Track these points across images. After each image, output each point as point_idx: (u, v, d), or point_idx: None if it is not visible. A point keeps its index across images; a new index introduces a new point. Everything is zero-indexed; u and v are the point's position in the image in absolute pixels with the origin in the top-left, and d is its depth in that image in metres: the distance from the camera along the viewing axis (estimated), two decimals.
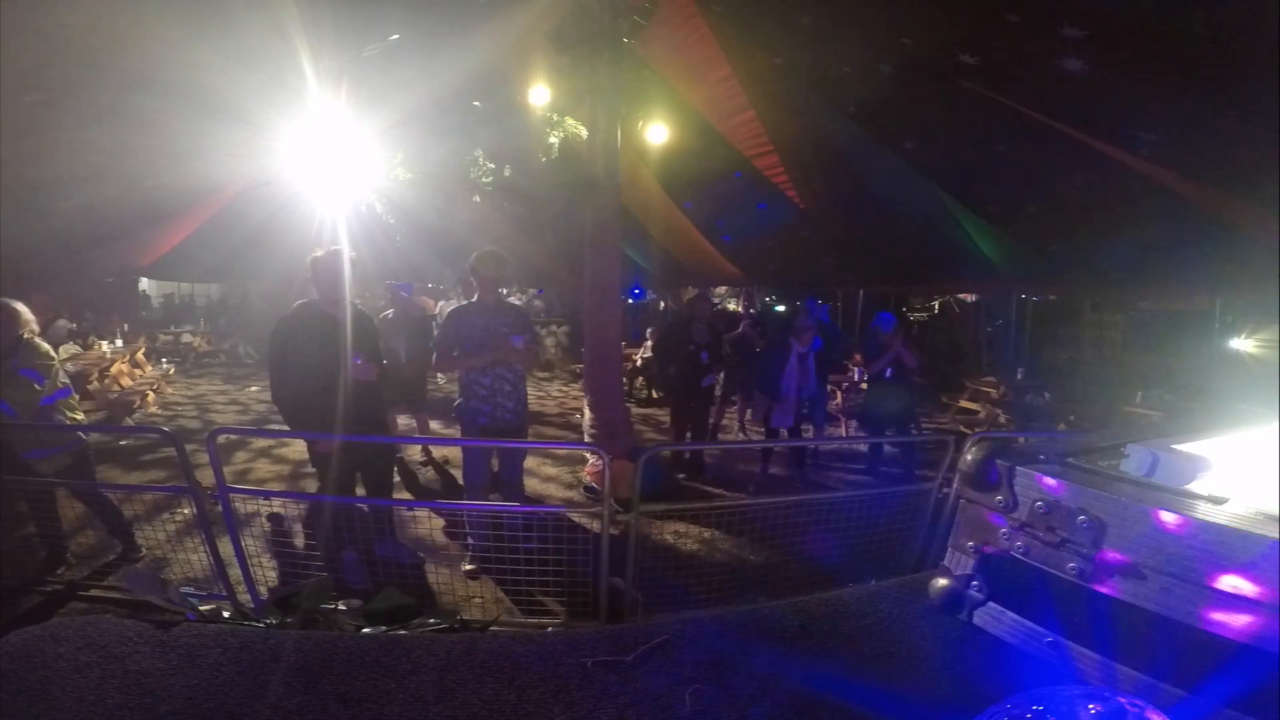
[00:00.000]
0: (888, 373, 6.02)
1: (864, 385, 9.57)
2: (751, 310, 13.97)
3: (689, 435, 6.46)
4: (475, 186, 6.58)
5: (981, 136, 5.73)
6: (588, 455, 5.98)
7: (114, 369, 9.02)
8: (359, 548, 3.59)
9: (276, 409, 3.74)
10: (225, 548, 3.35)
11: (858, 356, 10.29)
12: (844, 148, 7.05)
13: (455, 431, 8.01)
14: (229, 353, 14.57)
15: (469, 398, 3.97)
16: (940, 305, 14.68)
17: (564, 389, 11.45)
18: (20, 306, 3.81)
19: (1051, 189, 6.09)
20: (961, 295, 13.45)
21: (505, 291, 4.26)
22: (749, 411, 7.91)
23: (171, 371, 11.42)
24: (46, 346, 3.92)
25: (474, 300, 4.12)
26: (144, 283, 18.44)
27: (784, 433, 6.20)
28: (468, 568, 3.90)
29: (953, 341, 12.03)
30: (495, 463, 4.45)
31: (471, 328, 3.92)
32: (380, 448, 4.02)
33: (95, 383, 8.22)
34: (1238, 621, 0.95)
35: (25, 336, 3.80)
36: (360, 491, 3.83)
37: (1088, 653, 1.16)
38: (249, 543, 3.40)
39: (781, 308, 8.11)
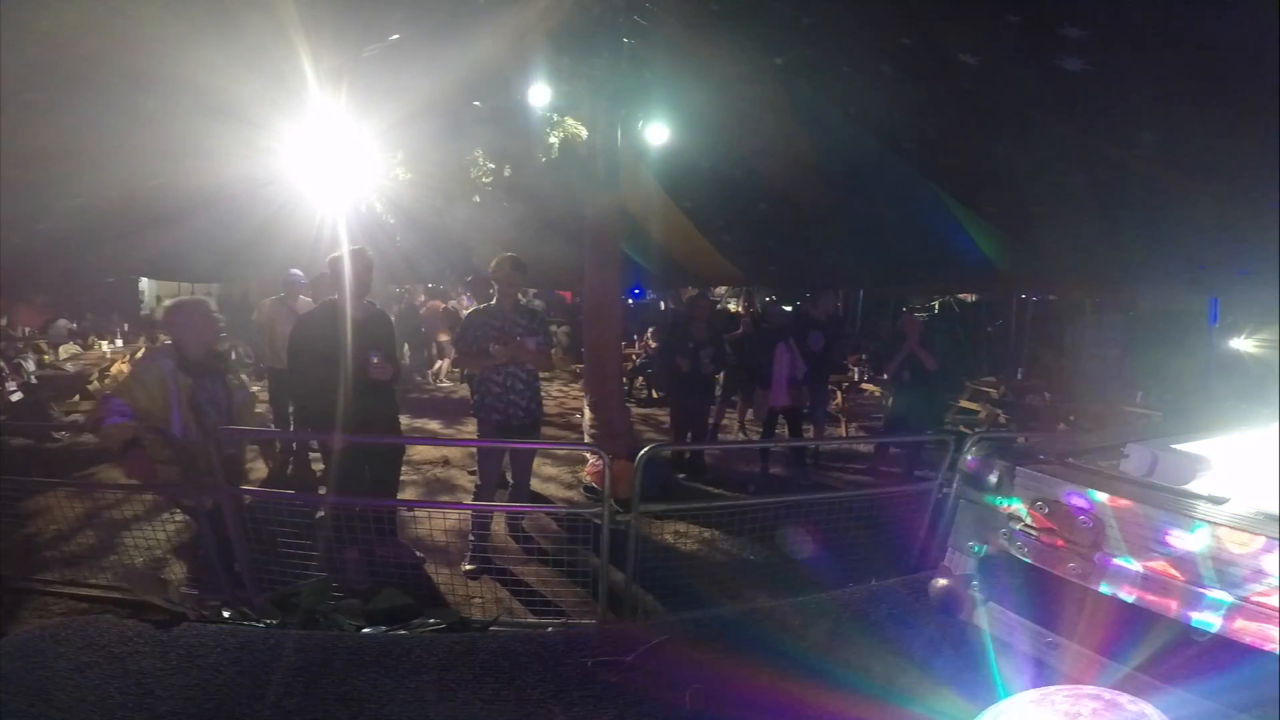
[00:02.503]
0: (904, 375, 6.01)
1: (863, 385, 9.57)
2: (751, 309, 13.98)
3: (689, 435, 6.46)
4: (475, 186, 6.57)
5: (982, 137, 5.72)
6: (588, 455, 5.98)
7: (114, 369, 9.02)
8: (360, 547, 3.60)
9: (293, 404, 3.80)
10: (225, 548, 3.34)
11: (856, 356, 10.29)
12: (844, 148, 7.04)
13: (455, 432, 8.03)
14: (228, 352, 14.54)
15: (483, 396, 4.11)
16: (940, 305, 14.69)
17: (564, 389, 11.45)
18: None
19: (1052, 189, 6.08)
20: (961, 295, 13.45)
21: (524, 296, 4.48)
22: (749, 411, 7.92)
23: None
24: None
25: (492, 303, 4.26)
26: (145, 282, 18.40)
27: (783, 429, 6.21)
28: (467, 567, 3.91)
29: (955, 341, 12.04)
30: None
31: (488, 328, 4.07)
32: (390, 447, 4.07)
33: (95, 383, 8.23)
34: (1237, 621, 0.95)
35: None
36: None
37: (1088, 653, 1.16)
38: (249, 542, 3.39)
39: (787, 308, 8.22)
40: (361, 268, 3.76)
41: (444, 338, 11.41)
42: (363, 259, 3.79)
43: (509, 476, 4.41)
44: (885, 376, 6.38)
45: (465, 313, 4.66)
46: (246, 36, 4.14)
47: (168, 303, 3.40)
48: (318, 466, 5.72)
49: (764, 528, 3.79)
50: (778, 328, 6.55)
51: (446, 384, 11.58)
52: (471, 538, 4.01)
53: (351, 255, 3.76)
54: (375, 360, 3.65)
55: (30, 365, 8.02)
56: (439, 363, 11.66)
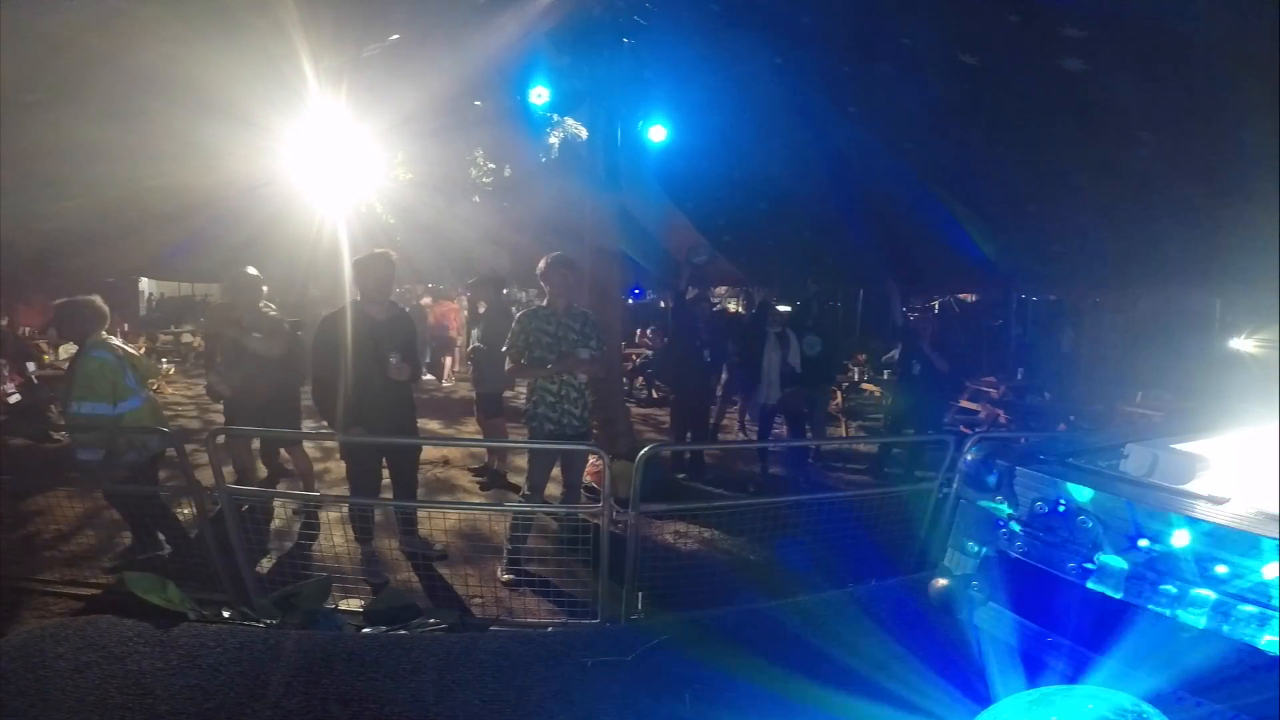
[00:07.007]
0: (917, 368, 5.98)
1: (864, 386, 9.57)
2: (752, 311, 14.00)
3: (689, 435, 6.46)
4: (475, 186, 6.58)
5: (982, 137, 5.73)
6: (588, 455, 5.97)
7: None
8: (373, 544, 3.65)
9: (315, 405, 3.84)
10: (225, 548, 3.34)
11: (857, 356, 10.29)
12: (844, 148, 7.05)
13: (456, 431, 8.02)
14: None
15: (536, 404, 3.98)
16: (940, 305, 14.69)
17: None
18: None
19: (1052, 189, 6.08)
20: (961, 295, 13.44)
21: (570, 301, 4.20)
22: (749, 411, 7.92)
23: (171, 371, 11.41)
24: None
25: (544, 305, 4.09)
26: (145, 282, 18.42)
27: (782, 429, 6.20)
28: (505, 577, 3.78)
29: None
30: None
31: (541, 334, 3.93)
32: (407, 447, 4.06)
33: None
34: (1236, 620, 0.95)
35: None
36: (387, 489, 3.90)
37: (1088, 653, 1.16)
38: (249, 543, 3.39)
39: (785, 307, 8.23)
40: (385, 270, 3.82)
41: (454, 335, 11.41)
42: (386, 262, 3.84)
43: (532, 480, 4.27)
44: (886, 375, 6.39)
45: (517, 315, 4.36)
46: (247, 36, 4.15)
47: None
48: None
49: (764, 528, 3.78)
50: (764, 326, 6.54)
51: (448, 384, 11.57)
52: (508, 546, 3.85)
53: (375, 258, 3.82)
54: (394, 361, 3.68)
55: (31, 365, 8.02)
56: (446, 360, 11.65)
